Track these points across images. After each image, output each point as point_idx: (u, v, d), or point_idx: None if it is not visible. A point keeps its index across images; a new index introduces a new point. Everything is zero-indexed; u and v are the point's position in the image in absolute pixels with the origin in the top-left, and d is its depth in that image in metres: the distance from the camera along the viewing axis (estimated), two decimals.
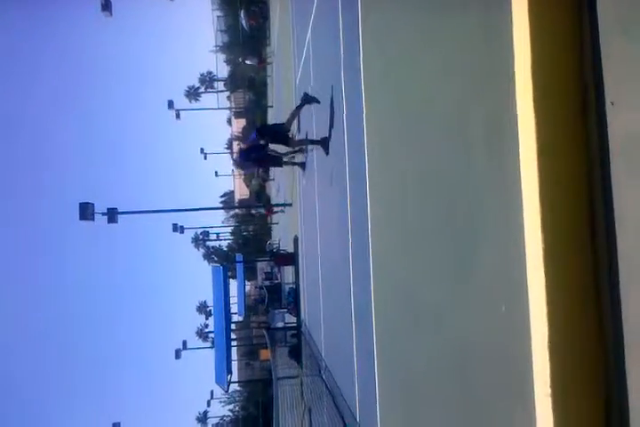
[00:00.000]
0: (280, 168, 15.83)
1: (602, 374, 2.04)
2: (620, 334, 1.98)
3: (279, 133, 10.23)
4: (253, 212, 42.35)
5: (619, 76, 1.99)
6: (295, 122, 10.99)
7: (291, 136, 10.83)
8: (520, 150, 2.27)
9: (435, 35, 3.54)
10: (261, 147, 10.70)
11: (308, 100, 9.68)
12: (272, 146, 10.96)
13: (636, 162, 1.91)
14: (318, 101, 9.25)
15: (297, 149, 12.11)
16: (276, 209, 32.66)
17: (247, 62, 42.06)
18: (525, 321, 2.23)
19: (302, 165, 13.38)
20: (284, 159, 13.94)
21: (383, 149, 5.18)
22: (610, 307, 2.03)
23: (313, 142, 10.03)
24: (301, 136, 12.16)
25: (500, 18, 2.39)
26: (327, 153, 8.72)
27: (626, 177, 1.97)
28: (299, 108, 10.07)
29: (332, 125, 8.13)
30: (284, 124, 10.66)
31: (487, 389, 2.82)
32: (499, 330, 2.65)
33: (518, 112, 2.27)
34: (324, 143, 8.85)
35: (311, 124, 11.22)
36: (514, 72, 2.29)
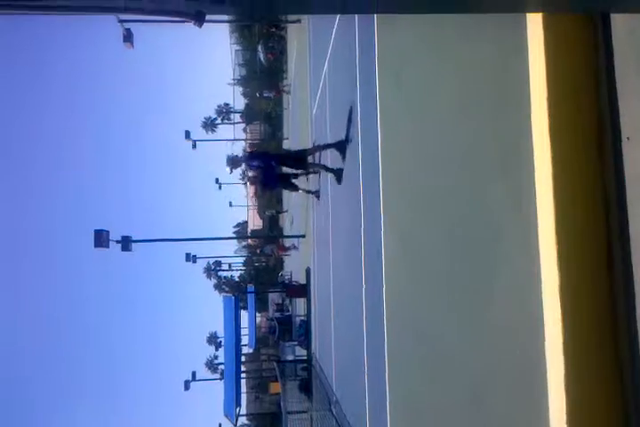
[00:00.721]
0: (295, 192, 15.58)
1: (620, 414, 2.00)
2: (637, 364, 1.94)
3: (296, 158, 10.29)
4: (267, 251, 42.28)
5: (634, 112, 2.00)
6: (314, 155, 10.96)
7: (307, 161, 10.80)
8: (536, 184, 2.27)
9: (452, 66, 3.58)
10: (272, 168, 10.85)
11: (338, 145, 9.05)
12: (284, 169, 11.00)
13: None
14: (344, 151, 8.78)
15: (311, 170, 11.99)
16: (287, 246, 32.50)
17: (265, 95, 42.70)
18: (541, 352, 2.20)
19: (317, 194, 13.33)
20: (300, 187, 13.95)
21: (398, 180, 5.20)
22: (627, 336, 2.00)
23: (327, 169, 10.01)
24: (317, 162, 12.05)
25: (517, 51, 2.42)
26: (339, 183, 8.74)
27: None
28: (327, 146, 9.88)
29: (345, 155, 8.24)
30: (305, 150, 10.79)
31: (503, 420, 2.76)
32: (514, 368, 2.61)
33: (534, 145, 2.28)
34: (338, 173, 8.86)
35: (326, 152, 11.31)
36: (530, 105, 2.31)
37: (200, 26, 1.09)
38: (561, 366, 2.08)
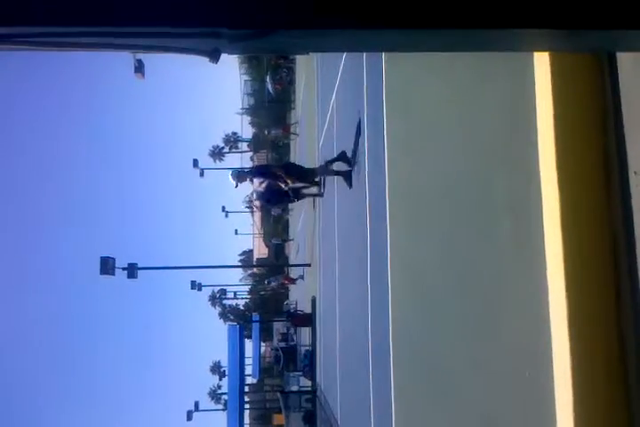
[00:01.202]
0: (295, 202, 15.20)
1: (625, 404, 1.98)
2: None
3: (302, 171, 10.11)
4: (273, 284, 42.12)
5: None
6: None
7: (314, 174, 10.55)
8: (544, 217, 2.28)
9: (460, 102, 3.63)
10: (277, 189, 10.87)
11: (342, 158, 9.36)
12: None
13: None
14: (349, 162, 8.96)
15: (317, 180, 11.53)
16: (294, 278, 32.33)
17: (272, 132, 43.04)
18: (549, 389, 2.18)
19: (321, 194, 13.20)
20: (305, 193, 13.90)
21: (406, 219, 5.21)
22: (636, 377, 1.98)
23: (337, 174, 9.84)
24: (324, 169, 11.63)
25: (525, 88, 2.46)
26: (350, 186, 8.73)
27: None
28: (331, 162, 9.86)
29: (345, 158, 8.61)
30: (313, 169, 10.64)
31: None
32: (521, 397, 2.58)
33: (542, 179, 2.29)
34: (348, 176, 8.83)
35: (333, 185, 11.36)
36: (538, 142, 2.33)
37: (216, 62, 1.12)
38: (569, 398, 2.06)
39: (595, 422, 2.03)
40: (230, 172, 9.16)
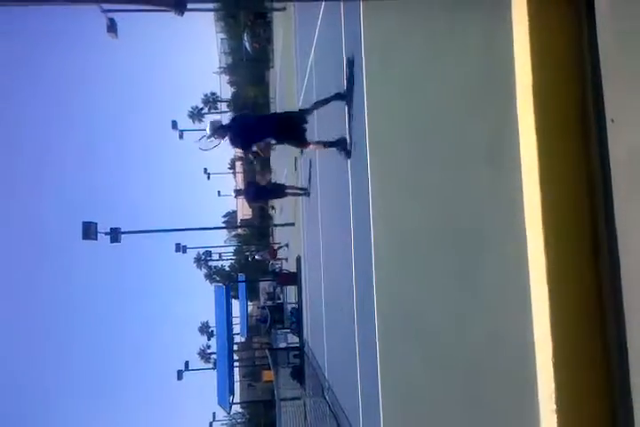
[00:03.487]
0: (283, 197, 15.15)
1: (607, 389, 2.04)
2: (625, 351, 1.98)
3: (294, 126, 7.94)
4: (257, 257, 41.94)
5: (618, 93, 2.02)
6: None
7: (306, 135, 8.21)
8: (522, 166, 2.29)
9: (438, 51, 3.59)
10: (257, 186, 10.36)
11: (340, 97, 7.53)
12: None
13: (635, 177, 1.93)
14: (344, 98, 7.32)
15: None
16: (277, 249, 32.29)
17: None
18: (529, 338, 2.23)
19: (307, 194, 13.23)
20: (288, 191, 13.83)
21: (385, 166, 5.21)
22: (614, 323, 2.03)
23: (331, 144, 8.01)
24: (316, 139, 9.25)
25: (501, 35, 2.43)
26: (349, 157, 7.23)
27: (627, 193, 1.99)
28: (325, 101, 8.03)
29: (336, 143, 7.76)
30: (302, 111, 8.55)
31: (492, 406, 2.81)
32: (503, 349, 2.65)
33: (520, 128, 2.30)
34: (343, 145, 7.48)
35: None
36: (515, 89, 2.32)
37: (181, 15, 1.09)
38: (549, 348, 2.11)
39: (574, 377, 2.09)
40: (209, 123, 7.66)
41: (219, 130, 7.56)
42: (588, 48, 2.16)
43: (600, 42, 2.10)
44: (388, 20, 4.81)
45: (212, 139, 7.59)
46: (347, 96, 7.13)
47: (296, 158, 16.72)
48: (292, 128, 7.85)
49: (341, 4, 7.38)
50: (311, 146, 8.53)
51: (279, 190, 13.99)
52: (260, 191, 13.12)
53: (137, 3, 1.12)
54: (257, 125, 7.77)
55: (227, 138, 7.69)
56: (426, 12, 3.52)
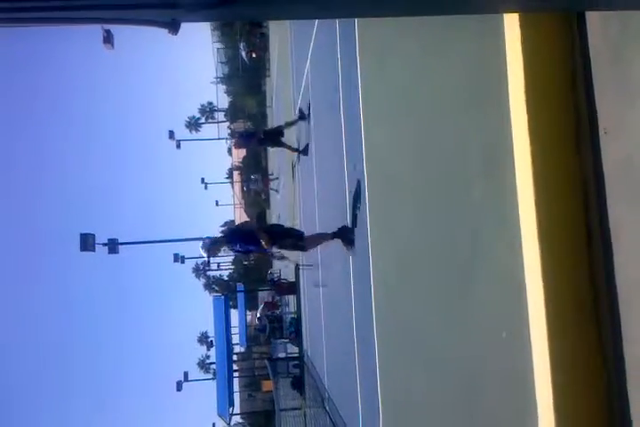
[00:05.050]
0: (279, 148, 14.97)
1: (604, 392, 2.04)
2: (621, 355, 1.98)
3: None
4: (253, 187, 40.89)
5: (610, 105, 2.04)
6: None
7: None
8: (517, 179, 2.30)
9: (432, 64, 3.61)
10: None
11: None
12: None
13: (629, 188, 1.95)
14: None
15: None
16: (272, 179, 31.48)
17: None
18: (526, 345, 2.23)
19: (305, 152, 12.87)
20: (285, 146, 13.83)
21: (381, 179, 5.22)
22: (610, 327, 2.04)
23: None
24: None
25: (494, 47, 2.45)
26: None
27: (620, 202, 2.00)
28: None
29: (346, 234, 7.18)
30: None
31: (491, 414, 2.81)
32: (500, 355, 2.65)
33: (514, 139, 2.31)
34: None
35: (311, 144, 11.36)
36: (509, 101, 2.34)
37: (175, 34, 1.10)
38: (546, 354, 2.12)
39: (572, 383, 2.09)
40: (200, 243, 7.34)
41: (211, 247, 7.35)
42: (581, 59, 2.18)
43: (592, 53, 2.12)
44: (383, 30, 4.83)
45: (211, 257, 7.52)
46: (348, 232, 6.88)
47: (293, 165, 16.73)
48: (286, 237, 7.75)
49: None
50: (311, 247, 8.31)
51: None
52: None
53: (131, 24, 1.13)
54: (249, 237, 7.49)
55: (223, 249, 7.63)
56: (420, 28, 3.54)
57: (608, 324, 2.06)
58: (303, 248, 8.01)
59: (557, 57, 2.23)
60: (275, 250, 8.18)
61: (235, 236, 7.46)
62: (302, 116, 12.20)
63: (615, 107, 2.02)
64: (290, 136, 13.69)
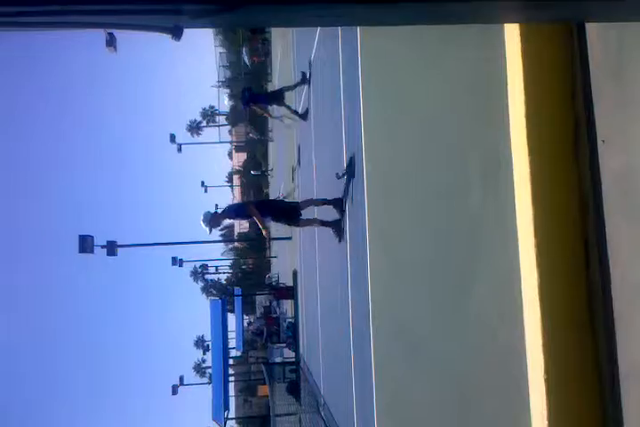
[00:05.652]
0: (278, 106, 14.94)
1: (598, 403, 2.05)
2: (616, 364, 1.99)
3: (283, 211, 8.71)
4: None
5: (609, 116, 2.05)
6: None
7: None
8: (515, 187, 2.31)
9: (433, 74, 3.63)
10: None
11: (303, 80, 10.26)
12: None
13: (627, 198, 1.96)
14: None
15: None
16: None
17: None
18: (522, 351, 2.24)
19: (304, 116, 13.00)
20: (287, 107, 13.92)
21: (382, 185, 5.24)
22: (605, 336, 2.04)
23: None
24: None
25: (495, 58, 2.46)
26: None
27: (618, 211, 2.01)
28: (324, 202, 8.58)
29: (339, 205, 7.70)
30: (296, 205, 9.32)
31: (485, 420, 2.81)
32: (495, 362, 2.65)
33: (513, 150, 2.32)
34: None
35: (311, 153, 11.35)
36: (508, 111, 2.35)
37: (178, 40, 1.11)
38: (541, 360, 2.12)
39: (566, 392, 2.09)
40: (202, 217, 7.86)
41: (212, 219, 7.90)
42: (580, 69, 2.19)
43: (591, 63, 2.14)
44: (384, 38, 4.85)
45: (213, 228, 8.03)
46: (342, 202, 7.44)
47: (293, 169, 16.75)
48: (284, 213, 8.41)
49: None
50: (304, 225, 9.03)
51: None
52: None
53: (133, 29, 1.14)
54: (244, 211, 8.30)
55: (224, 222, 8.46)
56: (419, 35, 3.56)
57: (603, 333, 2.06)
58: (297, 222, 8.63)
59: (557, 67, 2.24)
60: (268, 223, 8.87)
61: (231, 210, 8.49)
62: (304, 80, 12.62)
63: (614, 117, 2.03)
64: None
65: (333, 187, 8.07)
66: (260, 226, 8.27)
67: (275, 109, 15.98)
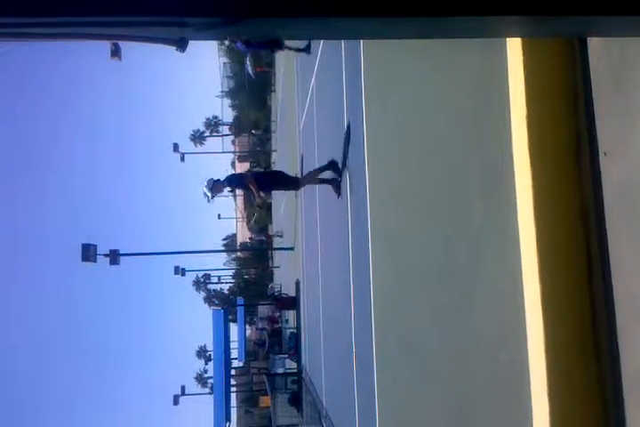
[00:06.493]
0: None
1: (602, 417, 2.04)
2: (619, 380, 1.98)
3: (283, 182, 9.43)
4: (256, 238, 43.19)
5: (610, 128, 2.06)
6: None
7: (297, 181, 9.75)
8: (517, 199, 2.32)
9: (436, 86, 3.64)
10: None
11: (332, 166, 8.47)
12: None
13: (629, 210, 1.96)
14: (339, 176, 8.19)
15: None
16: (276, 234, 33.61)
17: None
18: (524, 367, 2.23)
19: (307, 50, 12.92)
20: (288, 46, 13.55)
21: (384, 196, 5.24)
22: (608, 351, 2.04)
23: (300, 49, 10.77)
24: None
25: (497, 71, 2.48)
26: (339, 195, 8.08)
27: (620, 223, 2.01)
28: (321, 169, 8.80)
29: (335, 167, 8.07)
30: (296, 178, 9.89)
31: None
32: (498, 378, 2.64)
33: (515, 162, 2.33)
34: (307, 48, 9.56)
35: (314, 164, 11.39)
36: (510, 125, 2.36)
37: (183, 51, 1.12)
38: (544, 376, 2.11)
39: (568, 405, 2.08)
40: (205, 183, 8.19)
41: (214, 186, 8.25)
42: (582, 82, 2.20)
43: (593, 76, 2.15)
44: (388, 50, 4.88)
45: (215, 195, 8.36)
46: (337, 164, 7.89)
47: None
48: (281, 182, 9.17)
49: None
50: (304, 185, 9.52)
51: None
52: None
53: (138, 41, 1.16)
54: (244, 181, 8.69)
55: (225, 189, 8.70)
56: (424, 50, 3.58)
57: (606, 347, 2.06)
58: (297, 186, 9.43)
59: (559, 79, 2.25)
60: (263, 194, 9.29)
61: (232, 179, 8.83)
62: (307, 49, 12.66)
63: (616, 129, 2.04)
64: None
65: (336, 203, 8.09)
66: (255, 194, 8.64)
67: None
